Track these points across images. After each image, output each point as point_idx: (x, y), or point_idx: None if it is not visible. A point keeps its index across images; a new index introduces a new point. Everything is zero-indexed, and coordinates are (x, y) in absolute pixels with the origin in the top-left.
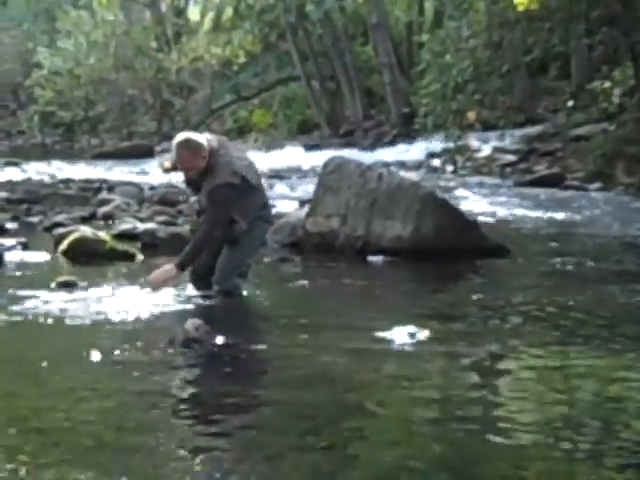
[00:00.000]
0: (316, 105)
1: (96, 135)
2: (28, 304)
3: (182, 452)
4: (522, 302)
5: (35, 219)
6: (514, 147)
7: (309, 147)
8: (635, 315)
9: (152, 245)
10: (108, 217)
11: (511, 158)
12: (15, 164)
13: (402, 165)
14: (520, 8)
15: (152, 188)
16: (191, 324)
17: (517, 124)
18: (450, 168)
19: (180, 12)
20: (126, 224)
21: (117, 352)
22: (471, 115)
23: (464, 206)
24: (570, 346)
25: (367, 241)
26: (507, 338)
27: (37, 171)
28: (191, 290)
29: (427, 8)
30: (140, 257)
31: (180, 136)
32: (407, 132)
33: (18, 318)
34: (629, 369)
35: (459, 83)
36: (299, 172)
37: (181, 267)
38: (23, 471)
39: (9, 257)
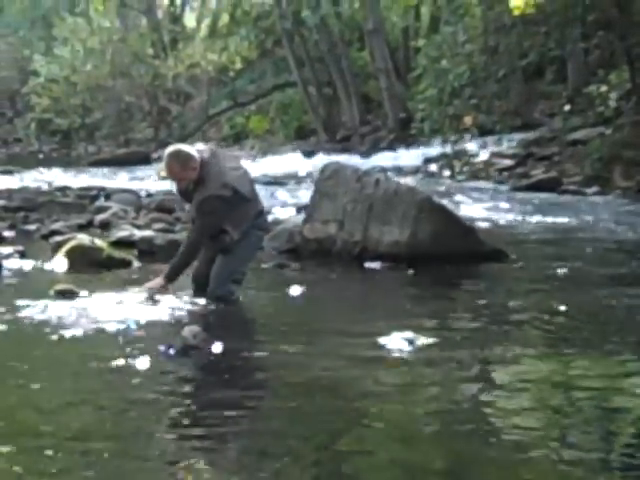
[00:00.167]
0: (313, 111)
1: (93, 142)
2: (25, 312)
3: (180, 459)
4: (520, 307)
5: (32, 227)
6: (511, 151)
7: (306, 153)
8: (634, 320)
9: (149, 252)
10: (105, 224)
11: (508, 162)
12: (10, 172)
13: (399, 170)
14: (516, 12)
15: (149, 195)
16: (189, 331)
17: (514, 128)
18: (447, 173)
19: (176, 19)
20: (123, 231)
21: (114, 360)
22: (468, 120)
23: (461, 211)
24: (569, 351)
25: (364, 247)
26: (506, 343)
27: (34, 179)
28: (189, 297)
29: (423, 13)
30: (137, 264)
31: (171, 148)
32: (404, 137)
33: (15, 326)
34: (629, 374)
35: (455, 88)
36: (296, 178)
37: (169, 279)
38: None
39: (6, 265)
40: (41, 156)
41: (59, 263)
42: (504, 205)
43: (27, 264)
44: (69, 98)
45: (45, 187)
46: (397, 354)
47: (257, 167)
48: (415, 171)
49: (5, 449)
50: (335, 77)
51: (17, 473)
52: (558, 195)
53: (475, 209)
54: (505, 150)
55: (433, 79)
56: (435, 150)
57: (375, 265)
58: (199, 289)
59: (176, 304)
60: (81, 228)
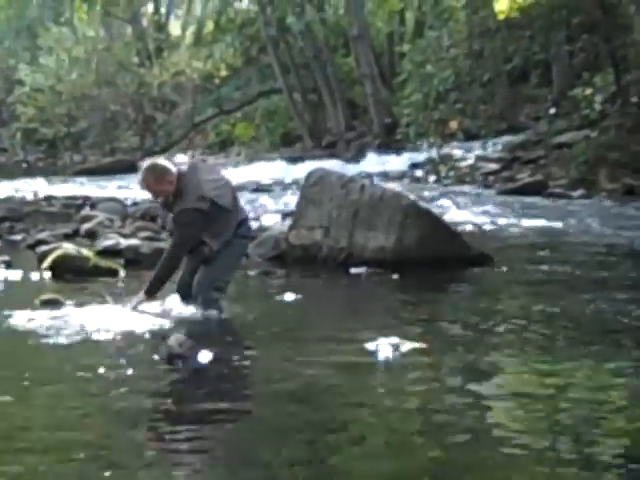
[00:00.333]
0: (298, 117)
1: (79, 151)
2: (12, 322)
3: (165, 468)
4: (506, 311)
5: (18, 237)
6: (497, 155)
7: (292, 159)
8: (620, 323)
9: (135, 261)
10: (91, 234)
11: (494, 167)
12: None
13: (385, 176)
14: (500, 16)
15: (135, 204)
16: (175, 340)
17: (499, 132)
18: (433, 178)
19: (161, 27)
20: (109, 240)
21: (101, 369)
22: (453, 124)
23: (447, 216)
24: (556, 355)
25: (350, 253)
26: (491, 347)
27: (20, 189)
28: (174, 306)
29: (408, 18)
30: (123, 273)
31: (147, 162)
32: (390, 143)
33: (1, 336)
34: (615, 376)
35: (440, 93)
36: (282, 185)
37: (150, 293)
38: None
39: None
40: (27, 166)
41: (45, 273)
42: (490, 209)
43: (13, 274)
44: (54, 107)
45: (31, 197)
46: (383, 360)
47: (243, 174)
48: (401, 176)
49: None
50: (320, 83)
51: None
52: (544, 198)
53: (461, 213)
54: (491, 154)
55: (418, 84)
56: (421, 155)
57: (361, 271)
58: (184, 298)
59: (161, 313)
60: (67, 237)
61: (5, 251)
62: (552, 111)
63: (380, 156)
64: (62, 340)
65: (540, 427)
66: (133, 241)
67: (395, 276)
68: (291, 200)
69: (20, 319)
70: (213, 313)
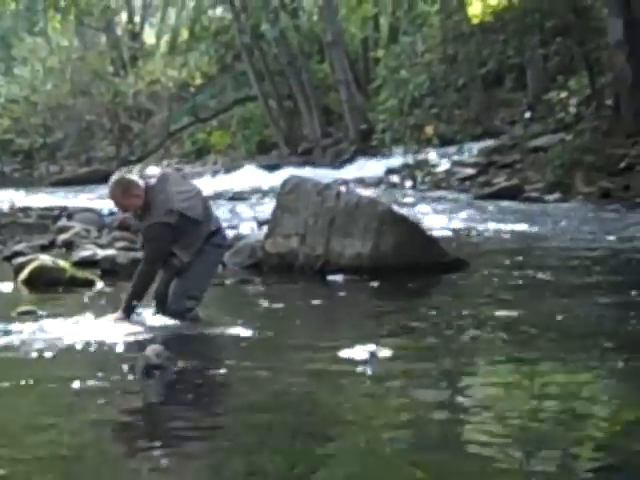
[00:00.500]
0: (274, 124)
1: (55, 162)
2: None
3: (142, 476)
4: (483, 317)
5: None
6: (472, 160)
7: (268, 167)
8: (595, 327)
9: (112, 271)
10: (68, 244)
11: (470, 171)
12: None
13: (361, 182)
14: (474, 21)
15: (112, 214)
16: (152, 351)
17: (475, 137)
18: (409, 183)
19: (135, 36)
20: (86, 251)
21: (77, 380)
22: (429, 129)
23: (424, 221)
24: (531, 359)
25: (327, 260)
26: (468, 353)
27: None
28: (151, 317)
29: (382, 24)
30: (100, 284)
31: (114, 176)
32: (366, 149)
33: None
34: (591, 381)
35: (416, 98)
36: (258, 192)
37: (127, 312)
38: None
39: None
40: (2, 177)
41: (22, 284)
42: (466, 214)
43: None
44: (30, 118)
45: (7, 208)
46: (360, 367)
47: (219, 183)
48: (377, 182)
49: None
50: (295, 90)
51: None
52: (520, 203)
53: (437, 219)
54: (466, 159)
55: (393, 89)
56: (397, 161)
57: (338, 278)
58: (160, 308)
59: (138, 324)
60: (44, 249)
61: None
62: (527, 115)
63: (356, 162)
64: (38, 351)
65: (518, 433)
66: (110, 251)
67: (372, 283)
68: (268, 208)
69: None
70: (189, 322)
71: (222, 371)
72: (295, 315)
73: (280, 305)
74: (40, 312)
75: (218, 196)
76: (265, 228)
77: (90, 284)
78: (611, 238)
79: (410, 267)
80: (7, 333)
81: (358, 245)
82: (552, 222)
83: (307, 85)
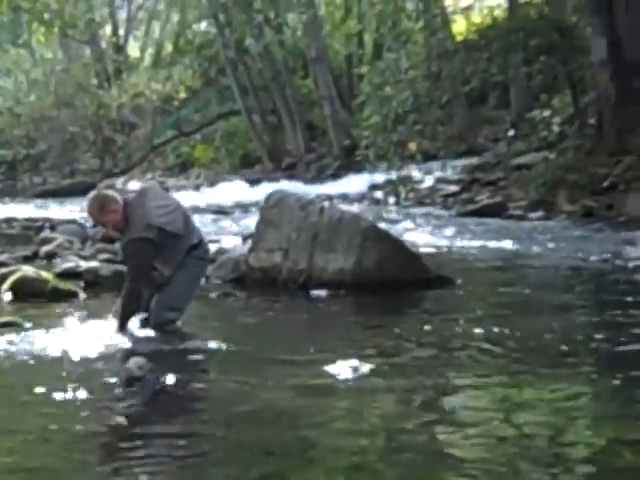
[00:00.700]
0: (258, 139)
1: (38, 173)
2: None
3: None
4: (465, 334)
5: None
6: (456, 177)
7: (252, 181)
8: (578, 344)
9: (95, 283)
10: (51, 256)
11: (453, 188)
12: None
13: (345, 197)
14: (458, 38)
15: (95, 226)
16: (134, 363)
17: (458, 154)
18: (393, 200)
19: (120, 48)
20: (69, 263)
21: (59, 392)
22: (412, 146)
23: (407, 238)
24: (515, 378)
25: (309, 275)
26: (450, 370)
27: None
28: (133, 329)
29: (366, 41)
30: (83, 296)
31: (92, 192)
32: (349, 164)
33: None
34: (575, 398)
35: (399, 114)
36: (242, 207)
37: (121, 329)
38: None
39: None
40: None
41: (4, 295)
42: (449, 231)
43: None
44: (13, 129)
45: None
46: (342, 382)
47: (203, 197)
48: (361, 198)
49: None
50: (279, 105)
51: None
52: (503, 220)
53: (421, 235)
54: (450, 176)
55: (377, 106)
56: (380, 177)
57: (320, 293)
58: (143, 321)
59: (121, 335)
60: (26, 260)
61: None
62: (511, 133)
63: (340, 178)
64: (20, 362)
65: (497, 449)
66: (93, 263)
67: (354, 298)
68: (251, 222)
69: None
70: (171, 335)
71: (203, 384)
72: (277, 329)
73: (263, 319)
74: (22, 323)
75: (201, 210)
76: (248, 242)
77: (73, 295)
78: (594, 257)
79: (393, 283)
80: None
81: (341, 260)
82: (535, 240)
83: (291, 100)
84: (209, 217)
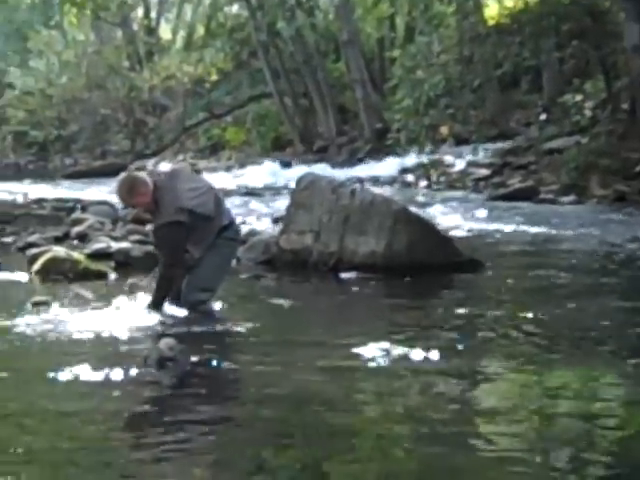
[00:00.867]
0: (289, 122)
1: (69, 154)
2: (1, 324)
3: (152, 471)
4: (496, 317)
5: (8, 239)
6: (487, 161)
7: (283, 164)
8: (610, 330)
9: (126, 264)
10: (82, 237)
11: (484, 172)
12: None
13: (376, 180)
14: (490, 22)
15: (126, 207)
16: (165, 343)
17: (490, 138)
18: (424, 183)
19: (152, 31)
20: (100, 243)
21: (90, 372)
22: (444, 130)
23: (438, 221)
24: (545, 361)
25: (340, 257)
26: (481, 353)
27: (10, 191)
28: (165, 309)
29: (398, 24)
30: (114, 276)
31: (122, 174)
32: (380, 148)
33: None
34: (605, 384)
35: (431, 98)
36: (273, 189)
37: (154, 307)
38: None
39: None
40: (17, 168)
41: (35, 275)
42: (480, 215)
43: (3, 276)
44: (45, 110)
45: (21, 199)
46: (373, 365)
47: (233, 178)
48: (392, 181)
49: None
50: (311, 88)
51: None
52: (535, 204)
53: (451, 219)
54: (481, 159)
55: (409, 89)
56: (411, 160)
57: (351, 276)
58: (175, 301)
59: (152, 316)
60: (57, 240)
61: None
62: (543, 117)
63: (371, 161)
64: (51, 343)
65: (528, 435)
66: (124, 244)
67: (385, 281)
68: (282, 204)
69: (10, 321)
70: (202, 316)
71: (234, 365)
72: (308, 311)
73: (293, 301)
74: (53, 303)
75: (232, 191)
76: (279, 224)
77: (103, 276)
78: (625, 241)
79: (423, 266)
80: (21, 323)
81: (372, 243)
82: (566, 224)
83: (323, 83)
84: (239, 199)
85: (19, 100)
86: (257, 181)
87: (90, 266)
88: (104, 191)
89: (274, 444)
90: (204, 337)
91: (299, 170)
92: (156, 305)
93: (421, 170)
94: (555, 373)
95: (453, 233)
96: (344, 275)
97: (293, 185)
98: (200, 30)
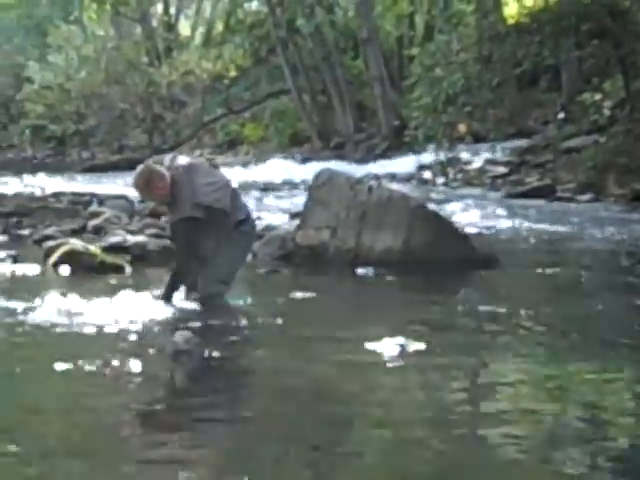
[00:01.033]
0: (307, 118)
1: (87, 148)
2: (17, 317)
3: (167, 463)
4: (512, 314)
5: (25, 232)
6: (505, 159)
7: (300, 160)
8: (626, 327)
9: (142, 257)
10: (98, 230)
11: (502, 170)
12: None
13: (393, 177)
14: (510, 21)
15: (142, 201)
16: (180, 336)
17: (508, 136)
18: (441, 180)
19: (171, 27)
20: (116, 237)
21: (105, 364)
22: (462, 127)
23: (455, 218)
24: (560, 358)
25: (357, 253)
26: (497, 350)
27: (27, 184)
28: (180, 302)
29: (417, 22)
30: (130, 270)
31: (140, 166)
32: (398, 145)
33: (6, 330)
34: (620, 381)
35: (450, 96)
36: (290, 185)
37: (165, 302)
38: None
39: None
40: (35, 162)
41: (51, 268)
42: (498, 212)
43: (20, 268)
44: (63, 105)
45: (38, 193)
46: (388, 360)
47: (251, 173)
48: (409, 178)
49: None
50: (329, 85)
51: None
52: (552, 202)
53: (468, 216)
54: (499, 157)
55: (427, 87)
56: (429, 157)
57: (368, 272)
58: (190, 294)
59: (168, 308)
60: (74, 233)
61: (12, 246)
62: (561, 116)
63: (388, 158)
64: (66, 335)
65: (542, 428)
66: (140, 238)
67: (402, 277)
68: (299, 200)
69: (26, 313)
70: (217, 309)
71: (249, 359)
72: (324, 307)
73: (309, 296)
74: (69, 295)
75: (249, 186)
76: (296, 220)
77: (120, 269)
78: None
79: (440, 263)
80: (36, 315)
81: (389, 239)
82: (583, 223)
83: (341, 80)
84: (256, 194)
85: (38, 94)
86: (274, 177)
87: (106, 259)
88: (121, 185)
89: (289, 438)
90: (220, 330)
91: (316, 166)
92: (167, 297)
93: (438, 167)
94: (568, 368)
95: (470, 230)
96: (361, 271)
97: (310, 181)
98: (219, 26)
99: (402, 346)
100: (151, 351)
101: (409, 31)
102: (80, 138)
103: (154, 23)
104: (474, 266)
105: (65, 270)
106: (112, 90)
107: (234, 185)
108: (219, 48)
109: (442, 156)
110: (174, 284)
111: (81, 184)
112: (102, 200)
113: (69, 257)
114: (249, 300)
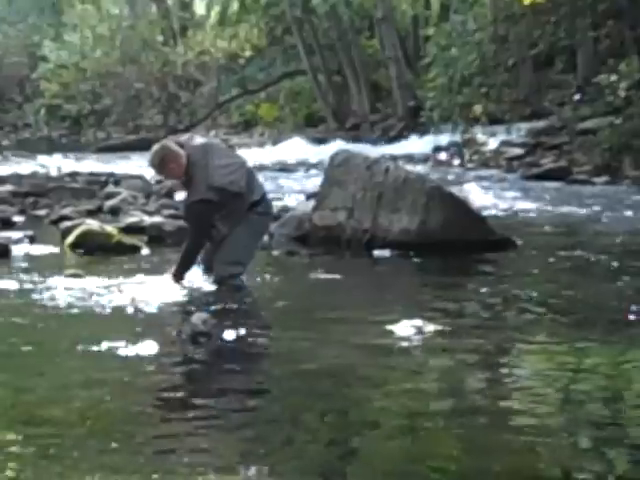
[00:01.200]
0: (322, 99)
1: (102, 128)
2: (34, 297)
3: (184, 445)
4: (529, 296)
5: (42, 212)
6: (521, 140)
7: (316, 140)
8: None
9: (159, 238)
10: (115, 210)
11: (518, 151)
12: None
13: (409, 158)
14: (526, 2)
15: (159, 181)
16: (198, 317)
17: (523, 117)
18: (457, 161)
19: (186, 6)
20: (133, 217)
21: (123, 345)
22: (477, 108)
23: (471, 199)
24: (578, 340)
25: (374, 235)
26: (514, 332)
27: (43, 164)
28: (198, 283)
29: (433, 2)
30: (146, 250)
31: (157, 144)
32: (414, 125)
33: (24, 310)
34: (635, 363)
35: (465, 76)
36: (306, 165)
37: (176, 278)
38: (28, 469)
39: (16, 250)
40: (50, 142)
41: (68, 248)
42: (513, 194)
43: (36, 249)
44: (78, 84)
45: (54, 173)
46: (405, 341)
47: (267, 154)
48: (425, 159)
49: (12, 436)
50: (345, 65)
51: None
52: (567, 184)
53: (485, 197)
54: (515, 139)
55: (443, 67)
56: (444, 138)
57: (384, 253)
58: (207, 275)
59: (185, 290)
60: (90, 214)
61: (29, 226)
62: (576, 97)
63: (404, 139)
64: (83, 316)
65: (561, 412)
66: (156, 218)
67: (418, 259)
68: (314, 181)
69: (43, 293)
70: (234, 290)
71: (267, 341)
72: (341, 288)
73: (326, 278)
74: (86, 276)
75: (264, 167)
76: (312, 201)
77: (136, 250)
78: None
79: (457, 244)
80: (54, 296)
81: (405, 221)
82: (599, 205)
83: (356, 60)
84: (272, 174)
85: (53, 73)
86: (290, 157)
87: (123, 240)
88: (137, 165)
89: (306, 419)
90: (237, 312)
91: (332, 147)
92: (178, 277)
93: (454, 148)
94: (584, 351)
95: (486, 212)
96: (377, 252)
97: (325, 162)
98: (234, 6)
99: (419, 328)
100: (169, 332)
101: (425, 11)
102: (96, 118)
103: (169, 2)
104: (490, 248)
105: (81, 251)
106: (127, 69)
107: (250, 167)
108: (234, 27)
109: (458, 137)
110: (186, 263)
111: (97, 164)
112: (118, 180)
113: (86, 238)
114: (266, 281)
